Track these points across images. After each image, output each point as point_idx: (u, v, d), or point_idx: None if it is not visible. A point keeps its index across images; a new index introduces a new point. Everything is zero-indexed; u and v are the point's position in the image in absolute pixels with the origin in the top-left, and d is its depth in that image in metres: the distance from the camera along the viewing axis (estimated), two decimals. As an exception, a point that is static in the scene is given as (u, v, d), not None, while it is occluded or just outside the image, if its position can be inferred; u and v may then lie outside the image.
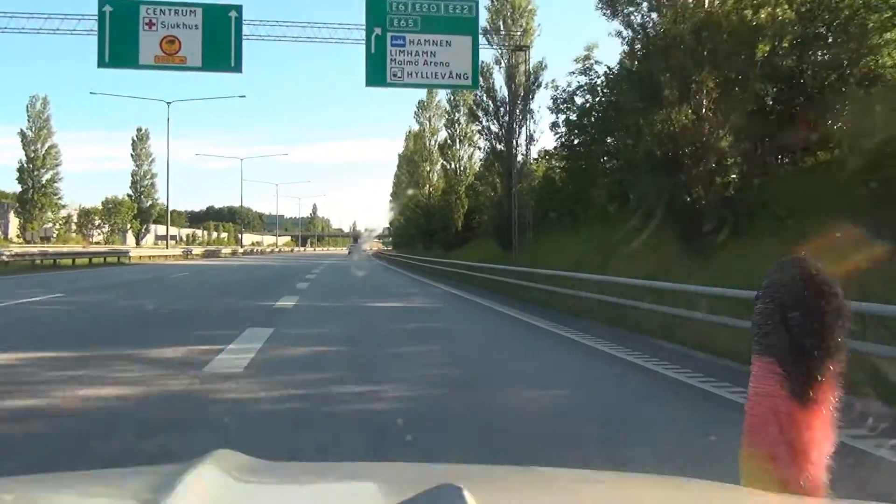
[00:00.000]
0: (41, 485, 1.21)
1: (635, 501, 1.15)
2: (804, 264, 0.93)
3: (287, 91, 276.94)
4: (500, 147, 29.35)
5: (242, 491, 1.07)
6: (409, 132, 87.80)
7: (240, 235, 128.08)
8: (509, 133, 29.09)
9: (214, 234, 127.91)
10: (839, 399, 0.93)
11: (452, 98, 43.44)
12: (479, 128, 29.60)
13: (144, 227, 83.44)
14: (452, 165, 43.98)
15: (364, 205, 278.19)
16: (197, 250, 51.64)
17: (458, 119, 43.48)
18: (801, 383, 0.91)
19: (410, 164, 59.12)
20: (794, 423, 0.91)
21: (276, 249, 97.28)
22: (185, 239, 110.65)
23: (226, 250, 60.36)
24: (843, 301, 0.93)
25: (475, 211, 44.40)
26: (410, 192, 77.76)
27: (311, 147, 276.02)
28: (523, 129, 29.09)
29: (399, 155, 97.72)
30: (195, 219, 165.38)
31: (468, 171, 43.56)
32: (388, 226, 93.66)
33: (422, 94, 56.95)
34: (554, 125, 29.81)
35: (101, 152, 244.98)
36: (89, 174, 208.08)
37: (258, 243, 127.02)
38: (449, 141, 44.10)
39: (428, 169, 57.16)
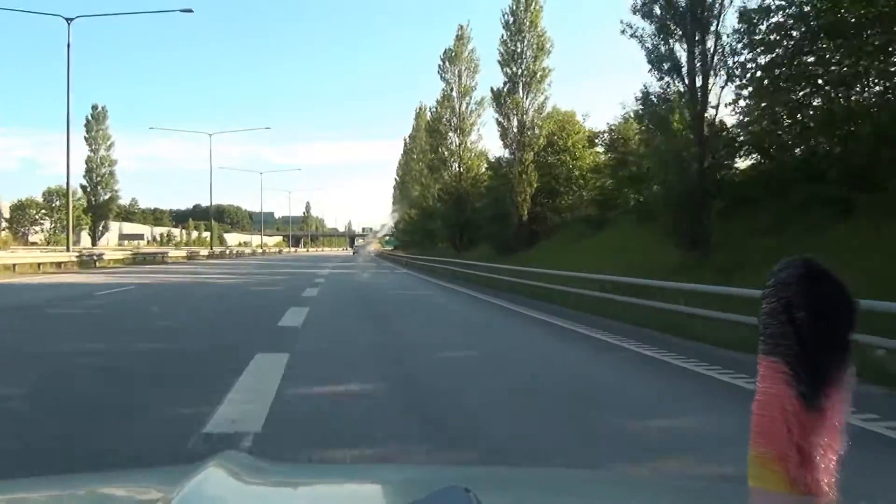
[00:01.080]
0: (49, 486, 1.18)
1: (644, 503, 1.12)
2: (811, 263, 0.90)
3: (276, 90, 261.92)
4: (680, 56, 14.17)
5: (249, 492, 1.05)
6: (421, 108, 72.69)
7: (205, 234, 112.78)
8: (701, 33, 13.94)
9: (195, 234, 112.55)
10: (848, 398, 0.89)
11: (511, 20, 28.26)
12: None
13: (102, 223, 67.74)
14: (514, 121, 28.58)
15: (359, 205, 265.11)
16: (115, 254, 33.88)
17: (523, 52, 28.15)
18: (810, 383, 0.88)
19: (434, 136, 43.74)
20: (803, 424, 0.88)
21: (261, 251, 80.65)
22: (157, 238, 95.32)
23: (176, 253, 43.84)
24: (851, 299, 0.89)
25: (547, 192, 29.27)
26: (421, 181, 62.75)
27: (302, 148, 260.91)
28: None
29: (406, 139, 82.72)
30: (180, 217, 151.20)
31: (541, 131, 28.21)
32: (391, 225, 80.00)
33: (448, 39, 41.71)
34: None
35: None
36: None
37: (246, 243, 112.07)
38: (509, 85, 28.62)
39: (458, 141, 41.95)
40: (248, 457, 1.22)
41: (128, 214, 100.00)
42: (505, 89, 28.50)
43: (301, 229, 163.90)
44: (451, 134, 42.32)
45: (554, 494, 1.11)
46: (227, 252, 59.54)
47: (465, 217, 40.84)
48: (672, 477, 1.49)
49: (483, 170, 42.52)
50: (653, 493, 1.18)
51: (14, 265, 23.21)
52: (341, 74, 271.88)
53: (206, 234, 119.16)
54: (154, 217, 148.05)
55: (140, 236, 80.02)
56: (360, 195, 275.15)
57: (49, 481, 1.31)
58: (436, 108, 45.68)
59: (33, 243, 58.21)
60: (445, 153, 42.40)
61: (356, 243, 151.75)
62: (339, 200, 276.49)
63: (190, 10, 28.74)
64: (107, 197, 67.80)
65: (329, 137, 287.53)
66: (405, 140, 77.35)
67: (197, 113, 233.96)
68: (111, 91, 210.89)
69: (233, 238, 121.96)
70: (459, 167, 41.80)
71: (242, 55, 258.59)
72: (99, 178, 67.54)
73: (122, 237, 78.53)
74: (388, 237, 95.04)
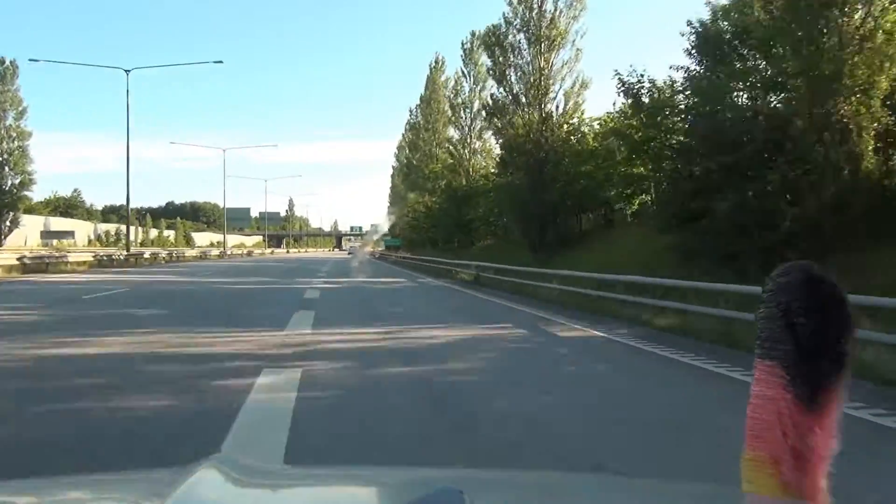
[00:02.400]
0: (41, 488, 1.16)
1: None
2: (809, 268, 0.89)
3: (264, 89, 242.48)
4: None
5: (242, 494, 1.02)
6: (437, 62, 54.08)
7: (167, 233, 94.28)
8: None
9: (154, 232, 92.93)
10: (842, 403, 0.88)
11: None
12: None
13: (11, 216, 48.51)
14: None
15: (346, 207, 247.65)
16: None
17: None
18: (806, 387, 0.87)
19: (495, 55, 24.95)
20: (798, 428, 0.87)
21: (215, 252, 58.37)
22: (101, 238, 76.07)
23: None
24: (848, 305, 0.89)
25: None
26: (448, 149, 43.74)
27: (287, 149, 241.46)
28: None
29: (412, 109, 63.08)
30: (153, 216, 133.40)
31: None
32: (385, 223, 67.82)
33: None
34: None
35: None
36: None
37: (219, 243, 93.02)
38: None
39: (540, 63, 23.59)
40: (241, 459, 1.18)
41: (68, 209, 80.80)
42: None
43: (283, 228, 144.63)
44: (524, 52, 23.91)
45: (547, 497, 1.08)
46: (152, 256, 39.14)
47: (552, 195, 22.52)
48: (664, 480, 1.41)
49: (585, 113, 24.30)
50: (645, 497, 1.13)
51: None
52: (329, 76, 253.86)
53: (170, 233, 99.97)
54: (118, 214, 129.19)
55: (70, 234, 60.96)
56: (347, 196, 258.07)
57: (40, 483, 1.25)
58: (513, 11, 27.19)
59: None
60: (514, 81, 23.96)
61: (345, 244, 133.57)
62: (324, 201, 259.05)
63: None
64: (17, 181, 48.97)
65: (317, 137, 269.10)
66: (410, 111, 58.77)
67: (169, 101, 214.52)
68: (106, 90, 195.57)
69: (205, 237, 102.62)
70: (541, 108, 23.41)
71: (233, 55, 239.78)
72: (6, 156, 48.42)
73: (47, 235, 59.47)
74: (384, 236, 79.93)
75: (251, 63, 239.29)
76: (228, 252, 59.70)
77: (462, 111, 36.42)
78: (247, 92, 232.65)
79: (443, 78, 49.90)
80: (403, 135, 70.48)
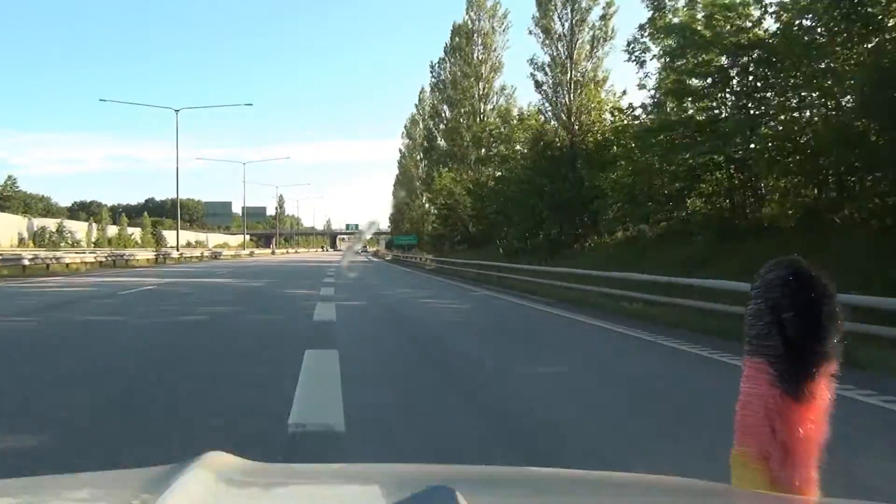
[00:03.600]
0: (30, 488, 1.14)
1: (629, 503, 1.09)
2: (797, 264, 0.88)
3: (252, 88, 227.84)
4: None
5: (234, 493, 1.01)
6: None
7: (131, 231, 77.84)
8: None
9: (112, 230, 76.31)
10: (831, 398, 0.87)
11: None
12: None
13: None
14: None
15: (339, 207, 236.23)
16: None
17: None
18: (794, 384, 0.86)
19: None
20: (787, 423, 0.87)
21: (146, 256, 39.65)
22: (35, 236, 59.60)
23: None
24: (835, 300, 0.88)
25: None
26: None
27: (279, 148, 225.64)
28: None
29: (434, 65, 46.73)
30: (131, 213, 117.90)
31: None
32: (383, 221, 63.40)
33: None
34: None
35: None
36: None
37: (198, 243, 77.22)
38: None
39: None
40: (234, 457, 1.12)
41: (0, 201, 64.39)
42: None
43: (272, 226, 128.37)
44: None
45: (540, 494, 1.07)
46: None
47: None
48: (656, 476, 1.38)
49: None
50: (637, 493, 1.12)
51: None
52: (324, 76, 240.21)
53: (135, 231, 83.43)
54: (87, 211, 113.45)
55: (-26, 230, 44.63)
56: (341, 198, 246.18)
57: (30, 482, 1.23)
58: None
59: None
60: None
61: (339, 244, 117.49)
62: (317, 200, 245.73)
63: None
64: None
65: (311, 137, 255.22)
66: (431, 67, 42.08)
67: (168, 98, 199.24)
68: (100, 89, 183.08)
69: (182, 236, 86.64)
70: None
71: (229, 54, 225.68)
72: None
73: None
74: (377, 234, 66.96)
75: (247, 62, 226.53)
76: (177, 254, 42.87)
77: (564, 5, 20.41)
78: (241, 91, 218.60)
79: (490, 3, 33.99)
80: (417, 105, 54.63)
